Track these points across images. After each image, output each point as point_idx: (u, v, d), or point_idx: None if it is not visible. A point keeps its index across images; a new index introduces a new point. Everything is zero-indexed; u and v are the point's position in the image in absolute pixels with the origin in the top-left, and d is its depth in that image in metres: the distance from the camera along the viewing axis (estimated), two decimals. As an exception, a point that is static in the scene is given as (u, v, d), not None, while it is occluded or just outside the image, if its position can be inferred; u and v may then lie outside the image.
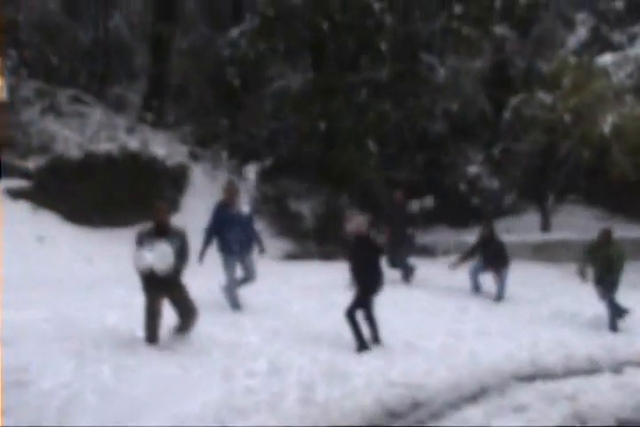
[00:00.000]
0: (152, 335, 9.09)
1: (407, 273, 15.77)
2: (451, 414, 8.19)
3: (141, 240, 8.93)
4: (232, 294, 11.84)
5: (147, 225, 9.15)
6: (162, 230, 8.99)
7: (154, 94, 24.60)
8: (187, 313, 9.27)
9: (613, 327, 12.51)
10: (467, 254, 15.17)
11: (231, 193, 12.05)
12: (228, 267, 11.74)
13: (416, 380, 8.87)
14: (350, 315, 9.83)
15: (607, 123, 18.87)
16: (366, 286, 10.07)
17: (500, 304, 14.06)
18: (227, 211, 11.79)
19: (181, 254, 9.03)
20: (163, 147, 21.22)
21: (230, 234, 11.63)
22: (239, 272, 11.93)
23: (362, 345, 9.78)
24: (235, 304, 11.81)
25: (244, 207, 12.17)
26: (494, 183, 24.25)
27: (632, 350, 11.57)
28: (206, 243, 11.68)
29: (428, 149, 24.41)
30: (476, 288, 14.92)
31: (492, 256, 14.74)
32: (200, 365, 8.42)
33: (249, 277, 12.00)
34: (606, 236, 13.10)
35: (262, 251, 12.25)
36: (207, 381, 7.97)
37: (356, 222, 10.09)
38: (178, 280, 9.15)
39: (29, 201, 17.07)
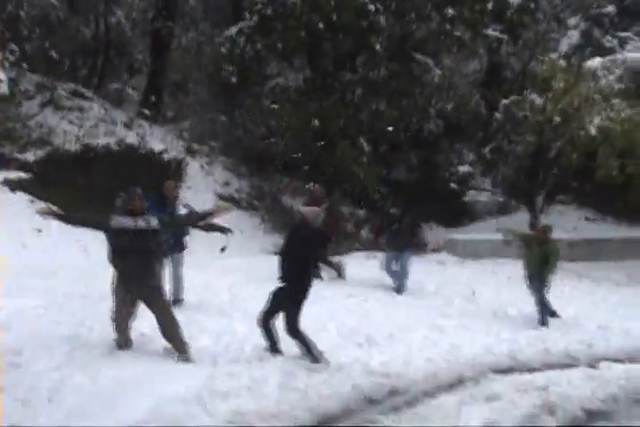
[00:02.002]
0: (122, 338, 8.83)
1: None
2: (425, 401, 8.54)
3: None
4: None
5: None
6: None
7: (153, 90, 24.91)
8: (163, 325, 8.76)
9: (544, 322, 12.71)
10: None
11: (172, 190, 11.94)
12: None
13: (395, 369, 9.17)
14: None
15: (594, 125, 19.17)
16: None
17: (475, 298, 14.26)
18: (161, 205, 11.07)
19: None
20: (160, 141, 21.56)
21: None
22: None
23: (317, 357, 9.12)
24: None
25: (183, 209, 11.60)
26: (485, 182, 24.64)
27: (610, 346, 11.89)
28: None
29: (421, 148, 24.80)
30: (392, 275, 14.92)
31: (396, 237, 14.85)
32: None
33: (175, 281, 11.55)
34: (545, 233, 13.25)
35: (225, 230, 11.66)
36: (193, 366, 8.33)
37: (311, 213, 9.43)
38: (153, 272, 8.82)
39: (27, 193, 17.34)
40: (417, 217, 15.58)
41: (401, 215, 15.06)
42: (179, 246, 11.63)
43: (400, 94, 22.22)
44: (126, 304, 8.66)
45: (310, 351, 9.01)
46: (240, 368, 8.37)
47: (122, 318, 8.68)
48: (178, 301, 11.34)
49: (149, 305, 8.71)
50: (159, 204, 10.94)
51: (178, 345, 8.70)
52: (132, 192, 8.72)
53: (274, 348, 9.17)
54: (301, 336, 9.04)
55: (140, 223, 8.56)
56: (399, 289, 14.53)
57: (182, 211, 11.36)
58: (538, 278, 12.96)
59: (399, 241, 14.64)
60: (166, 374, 7.84)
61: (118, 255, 8.57)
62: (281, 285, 9.19)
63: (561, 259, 18.78)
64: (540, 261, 12.93)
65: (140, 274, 8.58)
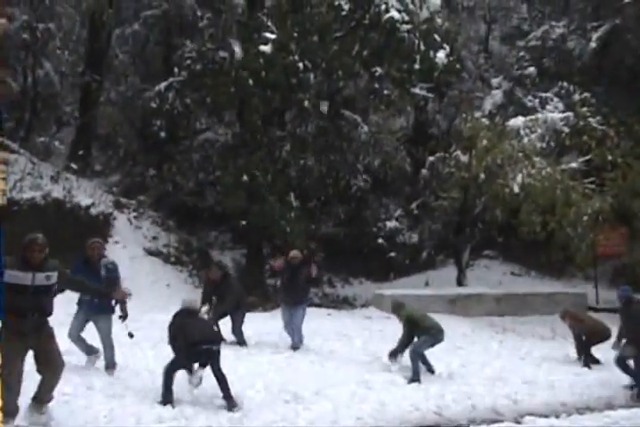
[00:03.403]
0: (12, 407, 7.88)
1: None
2: (351, 459, 8.53)
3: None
4: (79, 346, 10.90)
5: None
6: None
7: (81, 143, 24.75)
8: (54, 371, 8.14)
9: (415, 378, 12.35)
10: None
11: (94, 250, 10.91)
12: (75, 319, 10.85)
13: (322, 428, 9.17)
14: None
15: (517, 182, 19.62)
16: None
17: (402, 354, 14.16)
18: (85, 268, 10.56)
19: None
20: (87, 195, 21.37)
21: (81, 295, 10.59)
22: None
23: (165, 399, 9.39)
24: (89, 353, 10.95)
25: (103, 270, 10.75)
26: (413, 238, 24.96)
27: (535, 401, 12.02)
28: None
29: (349, 204, 25.09)
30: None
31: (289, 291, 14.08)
32: (111, 409, 8.61)
33: (108, 349, 10.82)
34: (395, 308, 13.41)
35: (123, 317, 10.58)
36: (117, 425, 8.17)
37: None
38: (48, 323, 8.18)
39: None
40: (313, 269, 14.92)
41: (298, 266, 14.22)
42: (108, 307, 10.62)
43: (328, 150, 22.49)
44: (19, 366, 7.82)
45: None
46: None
47: (15, 382, 7.77)
48: (113, 365, 10.77)
49: (40, 364, 8.02)
50: (83, 264, 10.64)
51: (43, 403, 8.14)
52: (31, 241, 7.82)
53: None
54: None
55: (40, 279, 7.78)
56: (295, 346, 13.94)
57: (103, 271, 10.66)
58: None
59: (293, 295, 14.03)
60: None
61: (14, 313, 7.70)
62: None
63: (488, 313, 19.29)
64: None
65: (38, 334, 7.90)
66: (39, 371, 8.04)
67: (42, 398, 8.12)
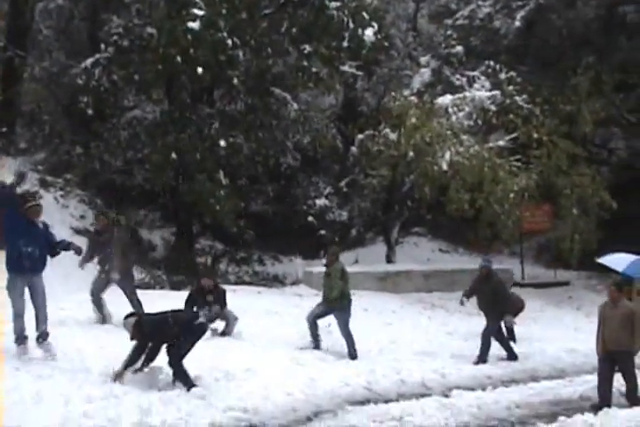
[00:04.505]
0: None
1: None
2: (283, 435, 8.61)
3: None
4: (16, 325, 10.04)
5: None
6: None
7: (4, 120, 24.17)
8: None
9: (353, 355, 12.67)
10: None
11: (37, 214, 10.30)
12: (13, 289, 10.08)
13: (253, 404, 9.21)
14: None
15: (445, 160, 19.82)
16: None
17: (331, 330, 14.13)
18: (28, 226, 10.11)
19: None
20: (12, 174, 20.95)
21: (21, 247, 10.03)
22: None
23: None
24: (20, 338, 10.04)
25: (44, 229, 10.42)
26: (342, 215, 25.07)
27: (462, 375, 12.30)
28: None
29: (279, 181, 25.09)
30: None
31: None
32: (38, 390, 8.51)
33: (40, 307, 10.18)
34: (331, 254, 13.36)
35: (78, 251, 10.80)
36: (45, 406, 8.10)
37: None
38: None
39: None
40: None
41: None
42: (43, 262, 10.30)
43: (257, 128, 22.40)
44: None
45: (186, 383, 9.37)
46: (95, 407, 8.21)
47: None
48: (47, 335, 10.10)
49: None
50: (26, 223, 10.04)
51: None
52: None
53: None
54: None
55: None
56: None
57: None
58: (338, 307, 12.96)
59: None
60: (17, 417, 7.60)
61: None
62: None
63: (417, 290, 19.48)
64: (329, 284, 12.92)
65: None
66: None
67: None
